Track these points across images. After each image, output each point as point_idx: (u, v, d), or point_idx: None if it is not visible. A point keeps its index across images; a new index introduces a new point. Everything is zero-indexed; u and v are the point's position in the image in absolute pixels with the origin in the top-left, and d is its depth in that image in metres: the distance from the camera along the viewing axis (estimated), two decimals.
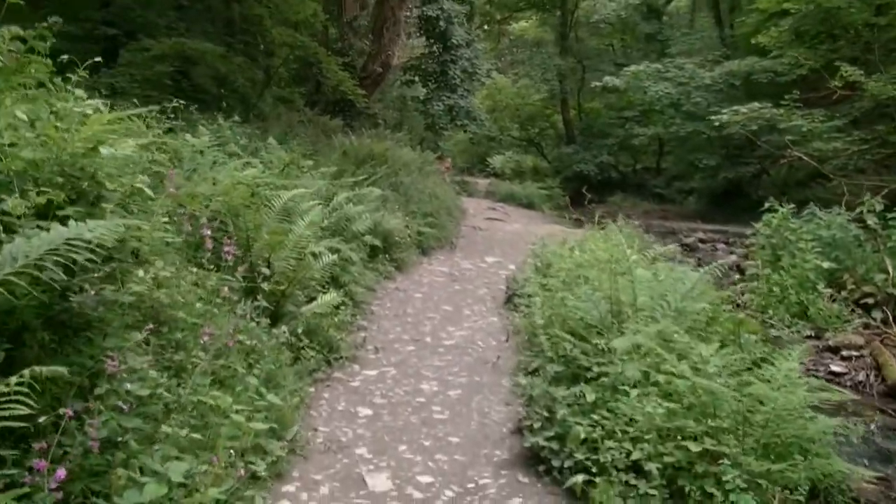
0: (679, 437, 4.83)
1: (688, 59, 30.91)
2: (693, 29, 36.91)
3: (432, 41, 29.37)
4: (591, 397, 5.52)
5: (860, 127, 20.79)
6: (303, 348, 7.19)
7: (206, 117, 12.37)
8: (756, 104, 17.30)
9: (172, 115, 9.15)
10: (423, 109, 30.04)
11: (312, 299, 7.82)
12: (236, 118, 12.74)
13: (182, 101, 12.92)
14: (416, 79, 30.66)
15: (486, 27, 40.05)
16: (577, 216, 29.28)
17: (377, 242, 11.89)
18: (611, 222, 18.38)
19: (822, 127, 17.94)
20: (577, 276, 9.18)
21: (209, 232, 5.24)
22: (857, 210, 13.84)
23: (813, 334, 11.04)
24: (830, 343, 10.82)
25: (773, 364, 5.57)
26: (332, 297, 7.62)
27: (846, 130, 18.70)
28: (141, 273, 4.37)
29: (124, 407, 3.74)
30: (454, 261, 14.57)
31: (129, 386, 3.83)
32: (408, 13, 27.42)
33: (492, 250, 16.24)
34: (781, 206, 13.69)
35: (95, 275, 3.91)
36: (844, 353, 10.65)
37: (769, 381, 5.31)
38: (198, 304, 5.17)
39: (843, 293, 12.43)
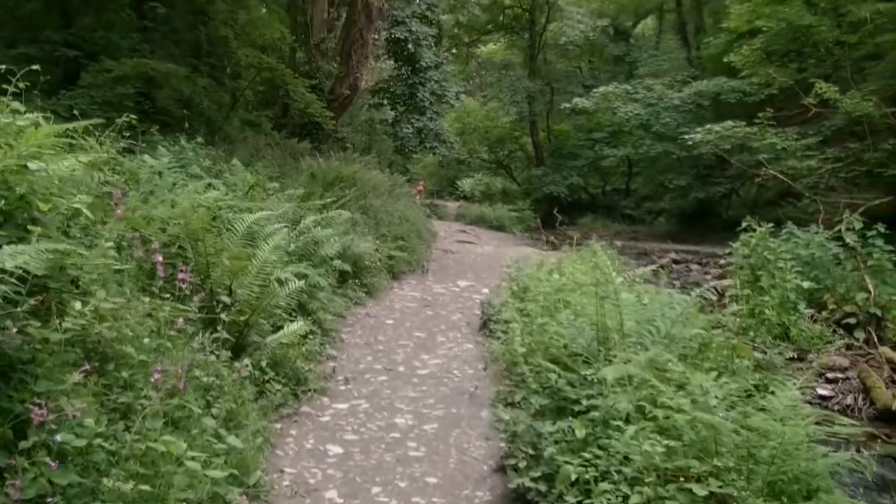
0: (681, 479, 4.37)
1: (656, 80, 30.81)
2: (660, 50, 36.87)
3: (401, 64, 29.01)
4: (580, 433, 5.06)
5: (830, 145, 20.68)
6: (268, 381, 6.68)
7: (169, 139, 11.88)
8: (730, 122, 17.07)
9: (128, 135, 8.59)
10: (392, 132, 29.64)
11: (278, 328, 7.32)
12: (199, 139, 12.25)
13: (143, 122, 12.57)
14: (385, 102, 30.26)
15: (454, 50, 39.78)
16: (549, 238, 29.02)
17: (346, 267, 11.42)
18: (591, 243, 18.19)
19: (795, 145, 17.73)
20: (557, 300, 8.75)
21: (161, 258, 4.69)
22: (836, 228, 13.58)
23: (795, 356, 10.69)
24: (814, 365, 10.48)
25: (771, 393, 5.15)
26: (299, 325, 7.11)
27: (819, 149, 18.47)
28: (78, 305, 3.84)
29: (52, 463, 3.22)
30: (426, 285, 14.10)
31: (60, 437, 3.31)
32: (376, 36, 27.03)
33: (464, 274, 15.80)
34: (759, 225, 13.32)
35: (20, 309, 3.39)
36: (829, 375, 10.31)
37: (770, 412, 4.90)
38: (147, 339, 4.65)
39: (824, 313, 12.12)
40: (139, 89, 15.55)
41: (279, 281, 7.28)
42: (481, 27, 39.10)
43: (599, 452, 4.85)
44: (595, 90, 29.87)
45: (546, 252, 20.76)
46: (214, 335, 5.36)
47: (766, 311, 11.59)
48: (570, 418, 5.43)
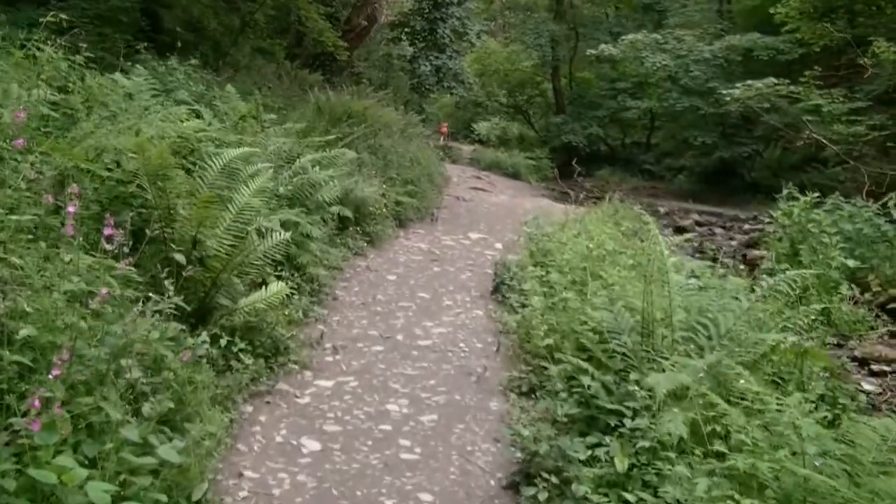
0: None
1: (687, 31, 29.12)
2: (691, 0, 34.96)
3: None
4: (621, 464, 3.87)
5: (868, 111, 19.20)
6: (237, 354, 5.49)
7: (158, 60, 10.59)
8: (772, 79, 15.51)
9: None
10: (410, 69, 28.12)
11: (261, 285, 6.12)
12: (193, 61, 10.95)
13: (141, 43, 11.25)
14: (403, 37, 28.69)
15: None
16: (567, 189, 27.62)
17: (348, 213, 10.19)
18: (615, 199, 16.87)
19: (841, 108, 16.18)
20: (584, 269, 7.51)
21: (75, 207, 3.42)
22: (883, 201, 12.30)
23: (836, 342, 9.46)
24: (857, 354, 9.28)
25: (868, 425, 3.95)
26: (279, 287, 5.88)
27: (866, 113, 16.95)
28: None
29: None
30: (435, 236, 12.85)
31: None
32: None
33: (476, 225, 14.53)
34: (803, 192, 11.99)
35: None
36: (874, 366, 9.10)
37: (860, 448, 3.70)
38: (57, 312, 3.43)
39: (867, 295, 10.86)
40: (141, 4, 14.31)
41: (260, 232, 6.05)
42: None
43: (646, 496, 3.65)
44: (623, 38, 28.20)
45: (565, 206, 19.46)
46: (158, 305, 4.10)
47: (805, 289, 10.31)
48: (606, 437, 4.24)
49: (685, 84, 27.28)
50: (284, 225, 7.18)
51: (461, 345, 7.40)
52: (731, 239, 18.08)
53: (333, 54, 20.50)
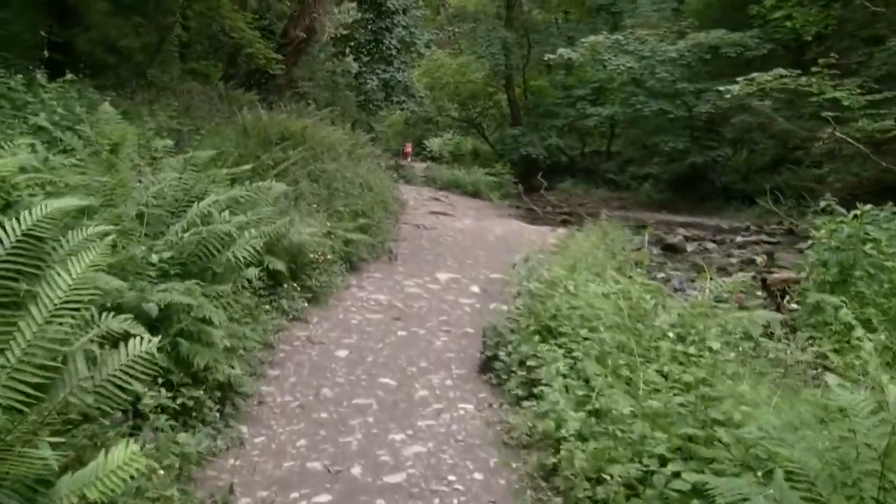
0: None
1: (648, 31, 26.85)
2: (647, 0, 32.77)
3: (365, 7, 24.78)
4: None
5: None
6: None
7: (27, 77, 7.85)
8: (780, 70, 13.05)
9: None
10: (356, 85, 25.40)
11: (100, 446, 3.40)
12: (70, 77, 8.21)
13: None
14: (348, 51, 25.98)
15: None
16: (531, 206, 25.12)
17: (280, 266, 7.47)
18: (603, 220, 14.33)
19: (860, 101, 13.74)
20: (623, 347, 4.90)
21: None
22: None
23: None
24: None
25: None
26: (129, 450, 3.13)
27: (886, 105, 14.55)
28: None
29: None
30: (395, 280, 10.15)
31: None
32: None
33: (443, 260, 11.88)
34: (782, 195, 9.48)
35: None
36: None
37: None
38: None
39: None
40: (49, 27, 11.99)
41: (90, 354, 3.33)
42: None
43: None
44: (582, 40, 25.78)
45: (539, 227, 16.89)
46: None
47: (871, 330, 7.76)
48: None
49: (651, 87, 24.97)
50: (165, 312, 4.49)
51: (450, 476, 4.71)
52: (729, 256, 15.60)
53: (270, 72, 17.76)
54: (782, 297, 11.25)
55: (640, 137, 31.04)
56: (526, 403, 5.40)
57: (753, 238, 18.05)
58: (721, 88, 13.84)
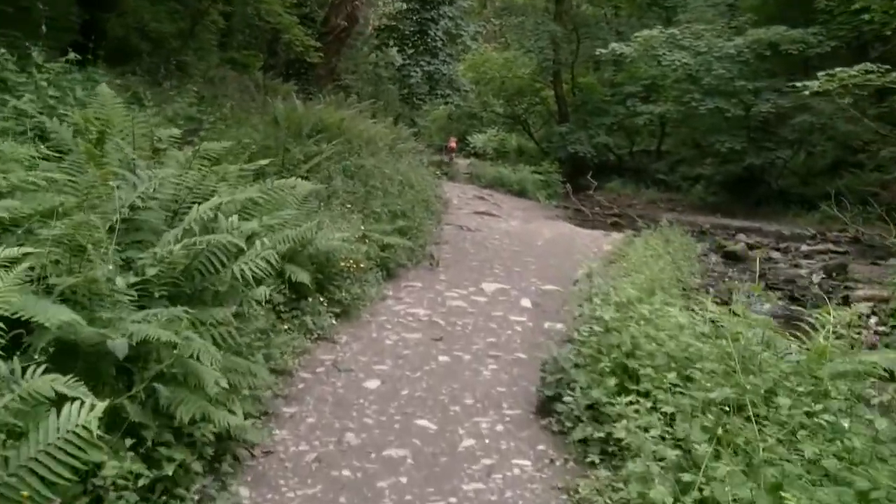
0: None
1: (704, 26, 25.36)
2: None
3: None
4: None
5: None
6: None
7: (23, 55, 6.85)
8: (867, 64, 11.63)
9: None
10: (399, 78, 24.29)
11: None
12: (72, 55, 7.17)
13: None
14: (391, 42, 24.88)
15: None
16: (579, 206, 23.81)
17: (304, 277, 6.37)
18: (661, 224, 13.10)
19: None
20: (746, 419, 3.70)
21: None
22: None
23: None
24: None
25: None
26: None
27: None
28: None
29: None
30: (436, 290, 8.98)
31: None
32: None
33: (489, 267, 10.69)
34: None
35: None
36: None
37: None
38: None
39: None
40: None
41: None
42: None
43: None
44: (636, 35, 24.35)
45: (592, 231, 15.62)
46: None
47: None
48: None
49: (707, 84, 23.47)
50: (140, 349, 3.39)
51: None
52: (797, 266, 14.23)
53: (309, 60, 16.71)
54: (867, 318, 9.95)
55: (692, 137, 29.49)
56: (600, 468, 4.24)
57: (820, 247, 16.61)
58: (798, 84, 12.45)
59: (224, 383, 3.92)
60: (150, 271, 3.91)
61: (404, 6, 24.13)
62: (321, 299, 6.87)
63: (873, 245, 17.37)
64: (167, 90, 10.52)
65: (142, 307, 3.90)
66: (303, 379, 5.72)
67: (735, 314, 4.79)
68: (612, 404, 4.49)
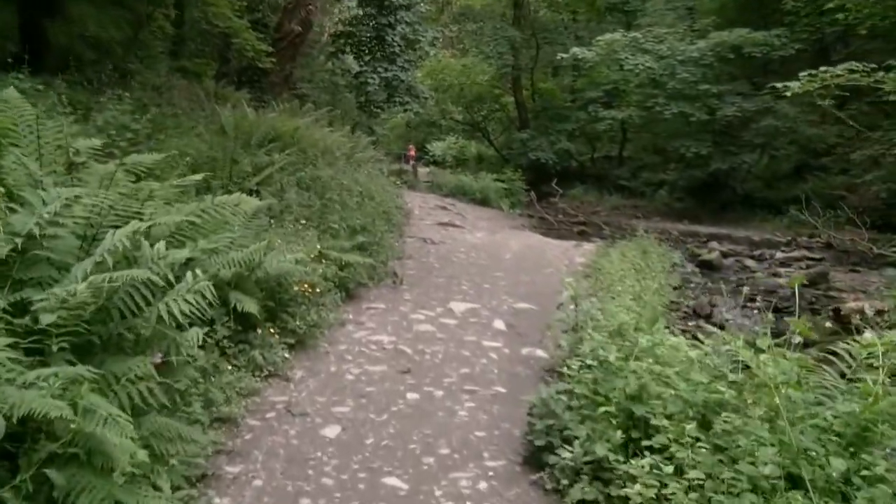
0: None
1: (667, 29, 24.94)
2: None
3: (367, 2, 22.91)
4: None
5: None
6: None
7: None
8: (854, 63, 11.04)
9: None
10: (356, 84, 23.48)
11: None
12: None
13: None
14: (348, 49, 24.07)
15: None
16: (543, 215, 23.13)
17: (252, 306, 5.55)
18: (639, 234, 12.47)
19: None
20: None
21: None
22: None
23: None
24: None
25: None
26: None
27: None
28: None
29: None
30: (401, 313, 8.16)
31: None
32: None
33: (457, 284, 9.90)
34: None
35: None
36: None
37: None
38: None
39: None
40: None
41: None
42: None
43: None
44: (598, 38, 23.80)
45: (561, 242, 14.91)
46: None
47: None
48: None
49: (672, 88, 22.97)
50: (25, 426, 2.56)
51: None
52: (775, 276, 13.61)
53: (260, 66, 15.85)
54: (859, 332, 9.32)
55: (654, 142, 29.06)
56: None
57: (795, 254, 16.07)
58: (778, 85, 11.82)
59: (144, 455, 3.09)
60: (47, 318, 3.08)
61: (360, 12, 23.41)
62: (272, 330, 6.04)
63: (846, 251, 16.93)
64: (105, 99, 9.63)
65: (42, 363, 3.09)
66: (250, 427, 4.89)
67: (755, 347, 4.06)
68: (620, 461, 3.73)
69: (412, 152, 29.70)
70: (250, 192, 8.13)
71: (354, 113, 23.67)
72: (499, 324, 7.95)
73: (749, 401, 3.67)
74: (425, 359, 6.61)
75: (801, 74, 11.37)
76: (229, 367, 5.23)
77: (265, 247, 5.87)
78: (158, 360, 3.61)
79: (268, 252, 6.03)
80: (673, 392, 4.01)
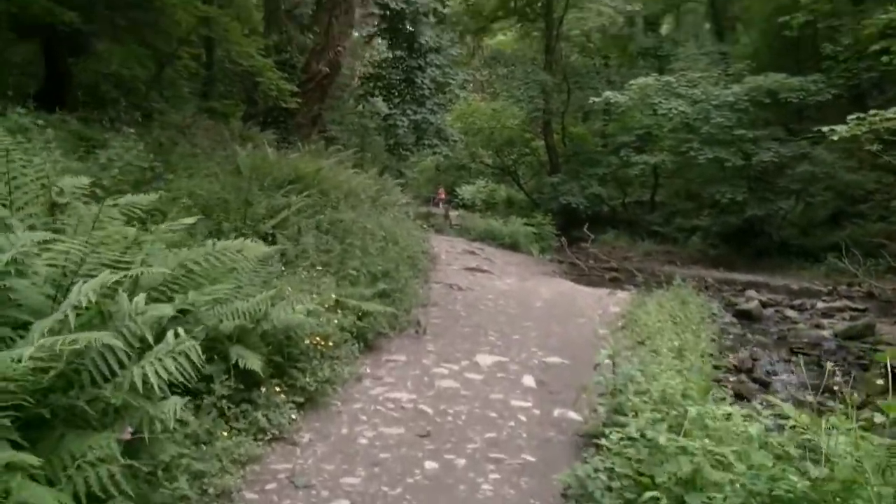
0: None
1: (700, 74, 24.45)
2: (695, 45, 30.43)
3: (396, 44, 22.65)
4: None
5: None
6: None
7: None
8: None
9: None
10: (385, 127, 23.14)
11: None
12: None
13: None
14: (377, 92, 23.79)
15: (458, 40, 33.10)
16: (574, 260, 22.51)
17: (256, 363, 5.00)
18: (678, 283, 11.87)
19: None
20: None
21: None
22: None
23: None
24: None
25: None
26: None
27: None
28: None
29: None
30: (423, 366, 7.58)
31: None
32: (363, 7, 20.66)
33: (484, 335, 9.31)
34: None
35: None
36: None
37: None
38: None
39: None
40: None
41: None
42: (490, 13, 32.37)
43: None
44: (631, 83, 23.37)
45: (595, 290, 14.27)
46: None
47: None
48: None
49: (706, 133, 22.39)
50: None
51: None
52: (818, 327, 12.86)
53: (285, 106, 15.51)
54: None
55: (687, 187, 28.47)
56: None
57: (837, 304, 15.30)
58: (824, 129, 11.19)
59: None
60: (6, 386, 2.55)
61: (390, 55, 23.17)
62: (278, 388, 5.48)
63: (890, 300, 16.16)
64: (110, 136, 9.22)
65: None
66: (247, 502, 4.32)
67: (825, 423, 3.43)
68: None
69: (442, 195, 29.34)
70: (265, 236, 7.67)
71: (384, 156, 23.31)
72: (528, 380, 7.33)
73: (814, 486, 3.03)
74: (447, 420, 6.01)
75: (850, 118, 10.75)
76: (227, 432, 4.67)
77: (273, 296, 5.35)
78: (128, 436, 3.07)
79: (276, 302, 5.50)
80: (731, 478, 3.39)
